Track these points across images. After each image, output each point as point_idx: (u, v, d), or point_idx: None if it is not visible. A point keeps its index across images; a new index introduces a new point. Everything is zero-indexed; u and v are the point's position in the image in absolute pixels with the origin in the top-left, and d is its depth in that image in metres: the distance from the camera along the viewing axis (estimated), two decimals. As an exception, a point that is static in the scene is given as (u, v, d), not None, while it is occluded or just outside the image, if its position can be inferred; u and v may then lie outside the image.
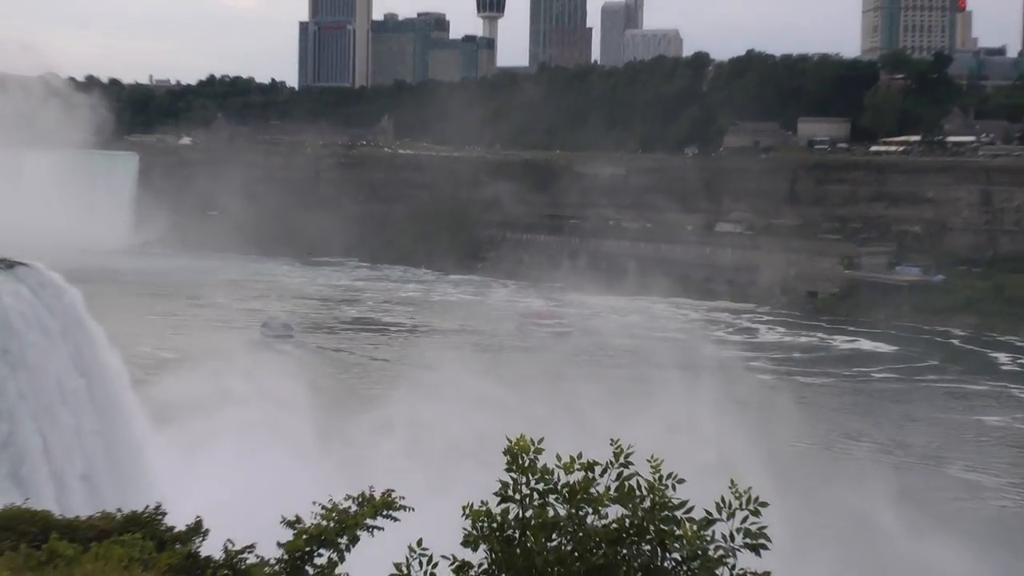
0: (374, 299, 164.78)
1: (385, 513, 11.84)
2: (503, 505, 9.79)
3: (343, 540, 11.55)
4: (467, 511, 9.81)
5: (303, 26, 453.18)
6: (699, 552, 9.28)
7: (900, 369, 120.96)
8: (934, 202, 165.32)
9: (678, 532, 9.39)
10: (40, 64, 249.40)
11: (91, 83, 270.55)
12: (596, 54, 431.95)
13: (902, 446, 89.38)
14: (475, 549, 9.78)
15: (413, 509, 12.01)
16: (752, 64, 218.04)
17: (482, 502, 9.80)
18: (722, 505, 9.29)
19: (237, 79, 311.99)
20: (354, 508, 11.81)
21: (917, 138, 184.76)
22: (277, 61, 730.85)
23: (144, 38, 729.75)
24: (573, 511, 9.67)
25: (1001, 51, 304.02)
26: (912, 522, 61.55)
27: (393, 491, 12.03)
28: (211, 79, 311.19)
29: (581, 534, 9.65)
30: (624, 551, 9.55)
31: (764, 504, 9.24)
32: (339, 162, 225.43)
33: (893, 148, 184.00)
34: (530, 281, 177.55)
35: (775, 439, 79.51)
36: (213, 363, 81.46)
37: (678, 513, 9.48)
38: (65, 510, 23.87)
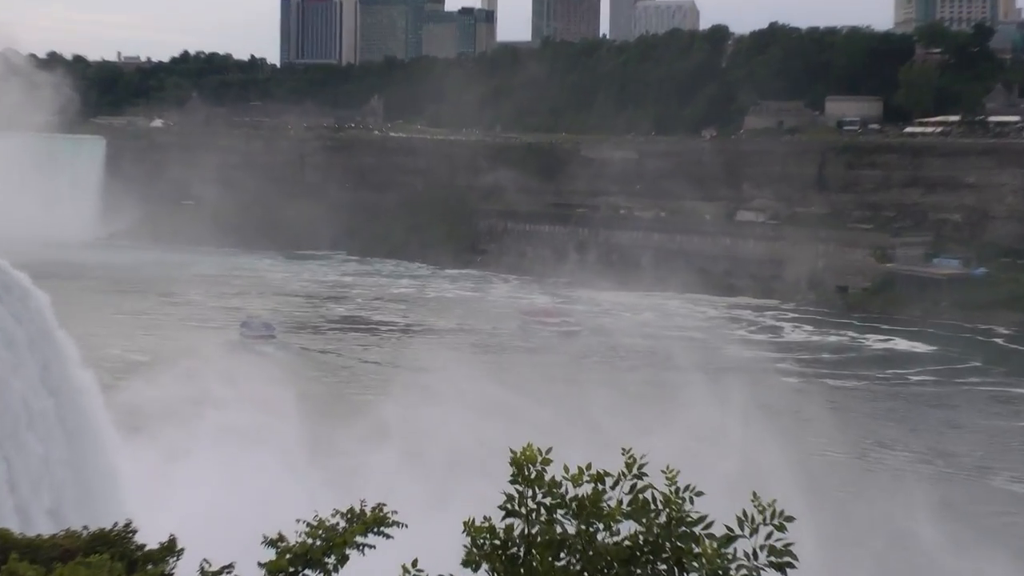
0: (364, 296, 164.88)
1: (376, 530, 11.83)
2: (507, 520, 9.77)
3: (330, 559, 11.54)
4: (468, 527, 9.79)
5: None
6: (719, 572, 9.28)
7: (939, 371, 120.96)
8: (975, 188, 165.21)
9: (697, 550, 9.37)
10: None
11: (53, 60, 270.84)
12: (605, 27, 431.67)
13: (942, 455, 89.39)
14: (476, 569, 9.77)
15: (406, 525, 12.01)
16: (775, 38, 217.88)
17: (485, 517, 9.78)
18: (744, 520, 9.26)
19: (213, 55, 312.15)
20: (343, 524, 11.79)
21: (956, 118, 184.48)
22: (257, 36, 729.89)
23: (111, 11, 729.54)
24: (583, 527, 9.66)
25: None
26: (954, 537, 61.53)
27: (384, 505, 12.03)
28: (185, 56, 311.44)
29: (591, 552, 9.65)
30: (638, 571, 9.55)
31: (790, 519, 9.23)
32: (325, 146, 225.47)
33: (930, 129, 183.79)
34: (534, 276, 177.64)
35: (803, 448, 79.63)
36: (188, 366, 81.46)
37: (697, 529, 9.46)
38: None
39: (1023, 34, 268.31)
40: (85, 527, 16.81)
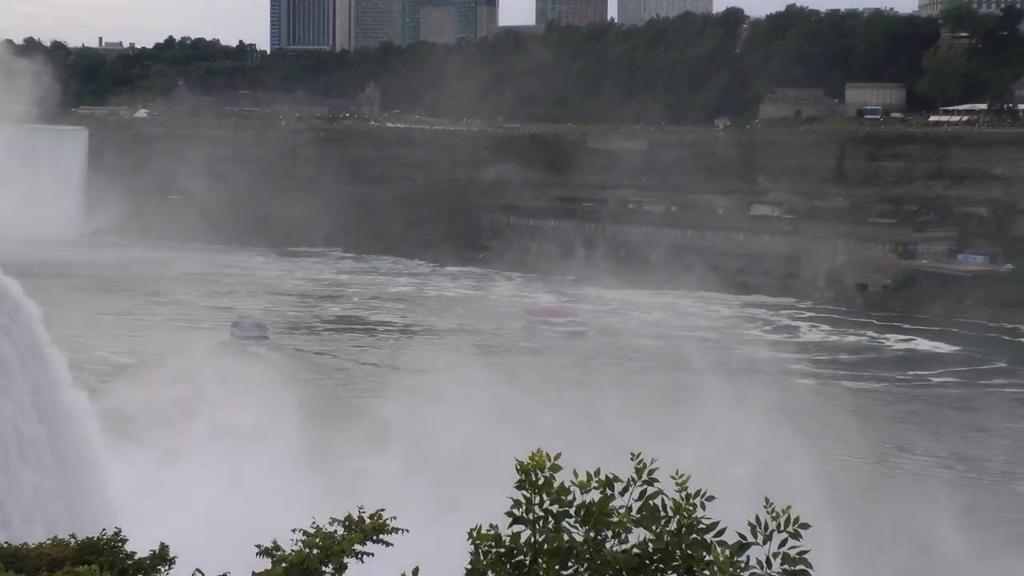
0: (360, 295, 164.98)
1: (376, 537, 11.92)
2: (514, 528, 9.87)
3: (328, 569, 11.63)
4: (473, 535, 9.90)
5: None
6: (732, 580, 9.38)
7: (962, 372, 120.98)
8: (1002, 180, 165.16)
9: (708, 558, 9.47)
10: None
11: (31, 47, 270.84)
12: (613, 11, 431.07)
13: (964, 459, 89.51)
14: (481, 578, 9.86)
15: (407, 530, 12.12)
16: (793, 21, 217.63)
17: (491, 525, 9.90)
18: (757, 527, 9.38)
19: (200, 41, 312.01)
20: (340, 532, 11.89)
21: (983, 106, 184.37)
22: (246, 20, 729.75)
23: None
24: (591, 535, 9.77)
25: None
26: (977, 544, 61.74)
27: (383, 512, 12.14)
28: (170, 42, 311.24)
29: (599, 561, 9.75)
30: (648, 579, 9.65)
31: (805, 526, 9.35)
32: (318, 137, 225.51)
33: (955, 118, 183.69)
34: (538, 273, 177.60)
35: (821, 452, 79.71)
36: (177, 369, 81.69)
37: (708, 536, 9.57)
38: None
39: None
40: (73, 535, 16.92)
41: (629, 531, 9.76)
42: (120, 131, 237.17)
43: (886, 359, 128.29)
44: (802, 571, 9.40)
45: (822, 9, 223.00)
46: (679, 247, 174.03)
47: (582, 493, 9.84)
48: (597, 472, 9.92)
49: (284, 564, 11.62)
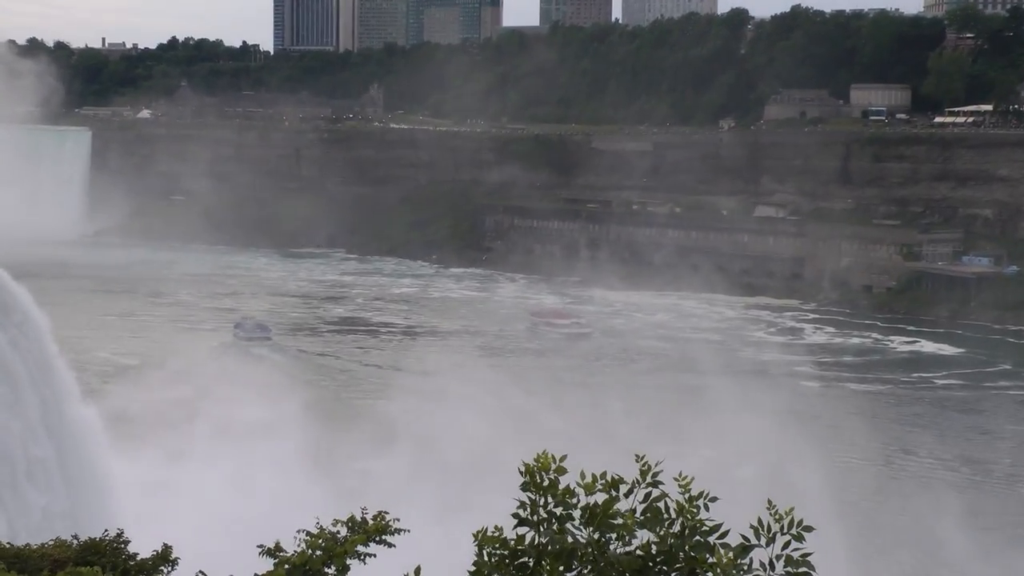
0: (364, 296, 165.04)
1: (379, 539, 11.94)
2: (519, 529, 9.88)
3: (331, 570, 11.64)
4: (477, 536, 9.91)
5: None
6: (734, 582, 9.39)
7: (967, 374, 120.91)
8: (1008, 182, 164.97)
9: (711, 559, 9.49)
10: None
11: (35, 47, 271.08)
12: (617, 11, 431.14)
13: (970, 462, 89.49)
14: (484, 580, 9.87)
15: (409, 531, 12.14)
16: (798, 22, 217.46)
17: (496, 527, 9.91)
18: (760, 529, 9.39)
19: (203, 42, 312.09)
20: (344, 533, 11.90)
21: (989, 107, 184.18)
22: (249, 21, 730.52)
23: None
24: (595, 537, 9.78)
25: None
26: (983, 546, 61.71)
27: (387, 513, 12.15)
28: (173, 42, 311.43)
29: (603, 563, 9.76)
30: (651, 581, 9.66)
31: (808, 528, 9.36)
32: (322, 138, 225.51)
33: (961, 119, 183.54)
34: (542, 275, 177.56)
35: (825, 454, 79.64)
36: (179, 370, 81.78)
37: (711, 538, 9.59)
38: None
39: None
40: (75, 536, 16.93)
41: (633, 533, 9.78)
42: (123, 132, 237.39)
43: (891, 361, 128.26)
44: (805, 573, 9.41)
45: (827, 10, 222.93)
46: (684, 248, 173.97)
47: (587, 495, 9.85)
48: (603, 474, 9.93)
49: (287, 565, 11.63)
